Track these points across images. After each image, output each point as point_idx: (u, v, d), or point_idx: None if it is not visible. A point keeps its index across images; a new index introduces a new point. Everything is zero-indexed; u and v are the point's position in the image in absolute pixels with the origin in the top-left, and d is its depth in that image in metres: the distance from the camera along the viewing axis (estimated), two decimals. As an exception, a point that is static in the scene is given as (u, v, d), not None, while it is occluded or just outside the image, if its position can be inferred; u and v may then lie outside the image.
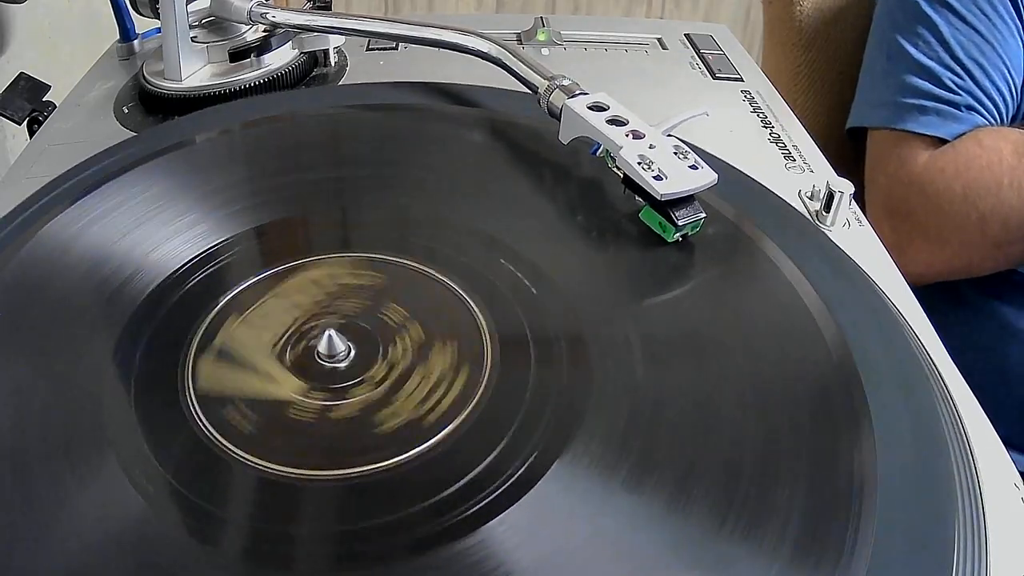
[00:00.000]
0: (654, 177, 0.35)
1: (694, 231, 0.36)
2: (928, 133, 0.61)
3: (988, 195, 0.57)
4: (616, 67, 0.56)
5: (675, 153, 0.36)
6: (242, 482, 0.27)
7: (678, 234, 0.35)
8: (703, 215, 0.35)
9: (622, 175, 0.37)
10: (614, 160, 0.37)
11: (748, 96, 0.53)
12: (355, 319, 0.33)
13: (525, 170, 0.41)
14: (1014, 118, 0.64)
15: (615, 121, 0.38)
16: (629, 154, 0.36)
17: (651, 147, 0.36)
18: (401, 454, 0.27)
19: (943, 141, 0.61)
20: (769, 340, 0.32)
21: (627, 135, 0.37)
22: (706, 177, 0.35)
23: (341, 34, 0.51)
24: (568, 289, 0.34)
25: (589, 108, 0.39)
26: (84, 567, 0.24)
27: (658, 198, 0.34)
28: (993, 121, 0.62)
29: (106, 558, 0.25)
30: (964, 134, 0.60)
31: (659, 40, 0.61)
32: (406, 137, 0.44)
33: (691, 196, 0.35)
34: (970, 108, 0.61)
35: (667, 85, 0.54)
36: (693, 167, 0.36)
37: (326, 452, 0.28)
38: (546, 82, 0.42)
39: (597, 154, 0.38)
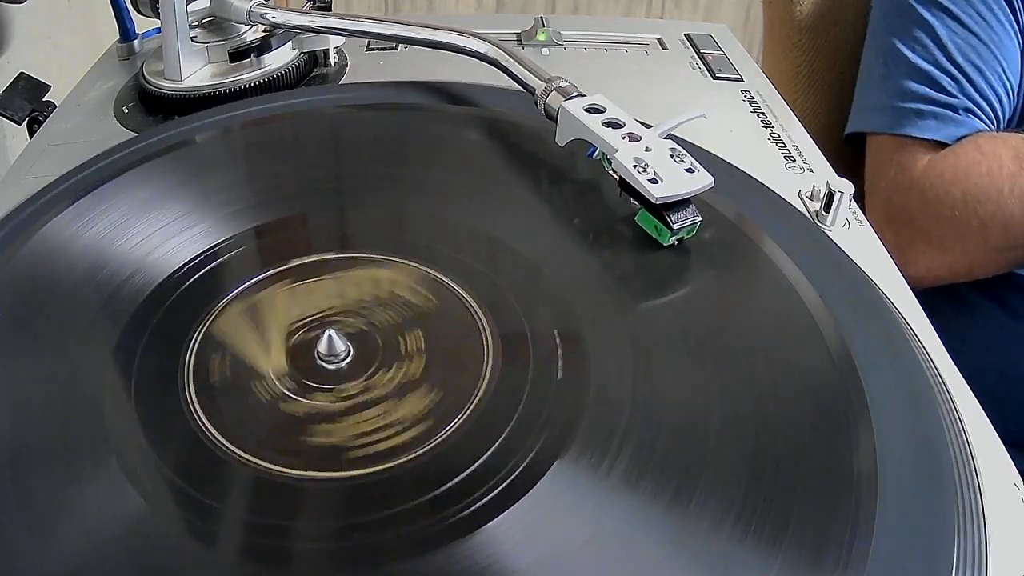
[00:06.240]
0: (650, 180, 0.34)
1: (690, 235, 0.36)
2: (927, 137, 0.60)
3: (989, 202, 0.57)
4: (616, 67, 0.56)
5: (672, 156, 0.36)
6: (241, 482, 0.27)
7: (674, 238, 0.35)
8: (699, 219, 0.35)
9: (618, 178, 0.36)
10: (610, 163, 0.37)
11: (748, 96, 0.53)
12: (355, 319, 0.33)
13: (523, 172, 0.41)
14: (1011, 120, 0.64)
15: (611, 123, 0.38)
16: (625, 157, 0.36)
17: (647, 150, 0.36)
18: (401, 454, 0.28)
19: (943, 145, 0.60)
20: (769, 340, 0.32)
21: (623, 137, 0.37)
22: (702, 180, 0.35)
23: (340, 35, 0.52)
24: (569, 289, 0.34)
25: (586, 110, 0.39)
26: (84, 567, 0.25)
27: (653, 201, 0.34)
28: (991, 123, 0.62)
29: (106, 558, 0.25)
30: (963, 137, 0.60)
31: (659, 40, 0.61)
32: (405, 137, 0.44)
33: (687, 199, 0.35)
34: (968, 111, 0.61)
35: (667, 85, 0.54)
36: (689, 170, 0.35)
37: (326, 452, 0.28)
38: (543, 84, 0.41)
39: (594, 157, 0.38)
